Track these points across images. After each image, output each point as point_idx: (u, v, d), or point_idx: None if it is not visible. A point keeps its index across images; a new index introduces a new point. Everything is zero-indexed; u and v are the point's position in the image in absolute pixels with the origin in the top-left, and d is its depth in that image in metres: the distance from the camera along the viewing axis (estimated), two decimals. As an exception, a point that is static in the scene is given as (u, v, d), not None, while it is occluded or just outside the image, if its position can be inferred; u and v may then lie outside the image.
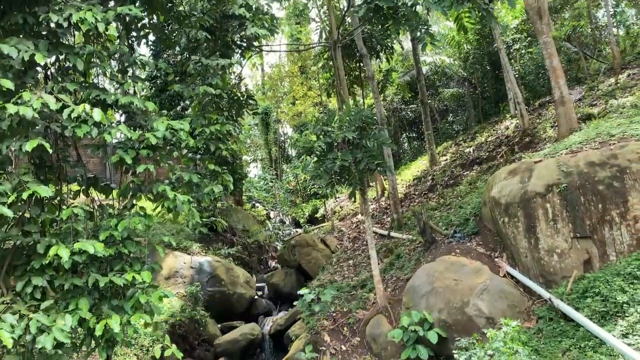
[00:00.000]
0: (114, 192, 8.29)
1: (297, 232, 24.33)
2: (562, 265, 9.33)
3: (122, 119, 8.32)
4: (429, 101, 26.45)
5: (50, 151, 6.42)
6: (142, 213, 7.53)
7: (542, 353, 8.05)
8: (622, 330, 7.22)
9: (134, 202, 7.72)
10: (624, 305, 7.55)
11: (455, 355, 6.14)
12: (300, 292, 12.93)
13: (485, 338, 6.18)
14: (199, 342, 13.95)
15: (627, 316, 7.35)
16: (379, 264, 13.43)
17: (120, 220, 7.05)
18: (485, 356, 5.81)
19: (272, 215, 28.58)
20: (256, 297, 17.99)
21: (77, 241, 6.27)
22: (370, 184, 24.59)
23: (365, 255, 16.55)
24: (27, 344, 5.79)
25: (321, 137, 11.76)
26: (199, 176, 8.20)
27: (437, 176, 20.89)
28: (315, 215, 30.73)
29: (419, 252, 13.53)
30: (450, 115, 30.84)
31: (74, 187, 8.23)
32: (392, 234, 17.12)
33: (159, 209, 7.85)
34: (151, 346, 11.45)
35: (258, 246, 23.13)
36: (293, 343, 13.06)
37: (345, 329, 12.42)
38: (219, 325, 15.38)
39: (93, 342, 6.77)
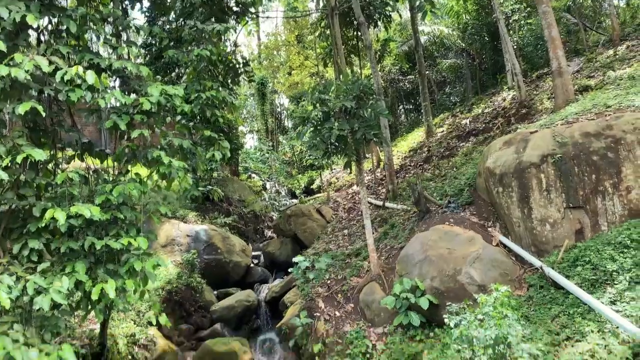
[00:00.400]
0: (109, 160, 8.28)
1: (293, 202, 24.43)
2: (554, 235, 9.44)
3: (117, 84, 8.24)
4: (427, 72, 26.24)
5: (44, 115, 6.38)
6: (137, 179, 7.54)
7: (532, 319, 8.21)
8: (611, 298, 7.35)
9: (129, 167, 7.71)
10: (614, 273, 7.67)
11: (445, 320, 6.25)
12: (295, 259, 13.08)
13: (476, 304, 6.29)
14: (195, 308, 14.14)
15: (616, 284, 7.48)
16: (373, 233, 13.56)
17: (116, 185, 7.06)
18: (475, 320, 5.92)
19: (268, 186, 28.63)
20: (252, 265, 18.18)
21: (73, 205, 6.29)
22: (367, 155, 24.61)
23: (360, 225, 16.68)
24: (25, 305, 5.86)
25: (318, 106, 11.71)
26: (192, 143, 8.17)
27: (433, 147, 20.90)
28: (311, 187, 30.82)
29: (413, 222, 13.64)
30: (448, 86, 30.67)
31: (69, 153, 8.21)
32: (387, 204, 17.23)
33: (155, 177, 7.86)
34: (147, 311, 11.61)
35: (254, 216, 23.26)
36: (288, 309, 13.27)
37: (339, 295, 12.61)
38: (215, 292, 15.56)
39: (89, 305, 6.86)
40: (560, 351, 7.22)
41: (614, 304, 7.19)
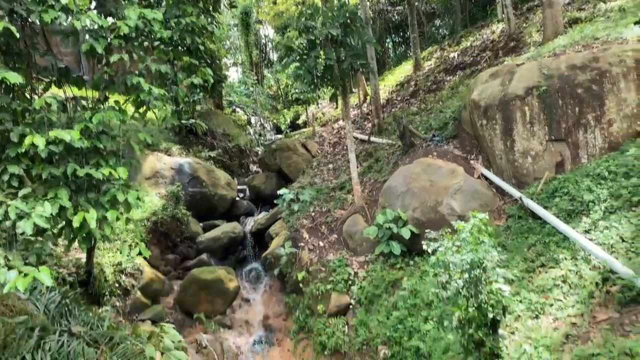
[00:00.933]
0: (88, 91, 8.03)
1: (278, 137, 24.25)
2: (535, 167, 9.58)
3: (93, 5, 7.88)
4: (416, 3, 25.47)
5: (18, 36, 6.12)
6: (116, 107, 7.38)
7: (509, 248, 8.50)
8: (586, 227, 7.58)
9: (107, 94, 7.52)
10: (590, 203, 7.87)
11: (424, 247, 6.42)
12: (280, 192, 13.18)
13: (455, 232, 6.44)
14: (181, 239, 14.34)
15: (592, 214, 7.69)
16: (358, 167, 13.64)
17: (95, 113, 6.91)
18: (452, 247, 6.08)
19: (253, 120, 28.27)
20: (237, 198, 18.28)
21: (52, 130, 6.17)
22: (353, 89, 24.29)
23: (345, 159, 16.73)
24: (8, 229, 5.87)
25: (303, 34, 11.38)
26: (171, 69, 7.93)
27: (420, 81, 20.67)
28: (297, 121, 30.54)
29: (397, 156, 13.71)
30: (437, 19, 29.92)
31: (45, 82, 7.96)
32: (373, 138, 17.23)
33: (131, 106, 7.67)
34: (133, 242, 11.75)
35: (239, 150, 23.12)
36: (273, 240, 13.54)
37: (323, 227, 12.85)
38: (201, 224, 15.72)
39: (72, 233, 6.89)
40: (535, 277, 7.53)
41: (588, 233, 7.43)
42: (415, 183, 10.76)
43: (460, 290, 5.85)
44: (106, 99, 7.63)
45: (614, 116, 8.87)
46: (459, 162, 11.17)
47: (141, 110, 7.78)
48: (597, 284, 6.53)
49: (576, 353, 5.60)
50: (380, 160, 14.83)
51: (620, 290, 6.14)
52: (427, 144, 12.67)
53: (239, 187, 19.51)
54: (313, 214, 13.55)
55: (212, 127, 21.89)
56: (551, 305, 6.77)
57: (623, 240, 6.79)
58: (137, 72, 7.55)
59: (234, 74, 39.58)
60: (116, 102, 7.52)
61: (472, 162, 11.13)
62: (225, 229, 15.06)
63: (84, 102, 7.82)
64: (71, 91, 8.00)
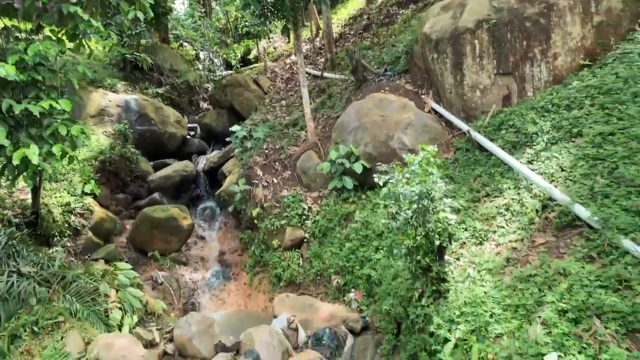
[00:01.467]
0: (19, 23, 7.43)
1: (229, 73, 23.51)
2: (484, 101, 9.79)
3: None
4: None
5: None
6: (53, 37, 6.91)
7: (456, 179, 8.81)
8: (529, 158, 7.90)
9: (40, 23, 7.01)
10: (534, 135, 8.16)
11: (375, 180, 6.55)
12: (233, 128, 12.98)
13: (406, 165, 6.58)
14: (131, 178, 14.02)
15: (535, 145, 7.99)
16: (311, 103, 13.53)
17: (30, 44, 6.46)
18: (402, 179, 6.23)
19: (201, 55, 27.20)
20: (188, 137, 17.90)
21: (-19, 63, 5.75)
22: (305, 23, 23.63)
23: (298, 95, 16.54)
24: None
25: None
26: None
27: (373, 15, 20.31)
28: (248, 57, 29.61)
29: (350, 91, 13.67)
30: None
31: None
32: (325, 74, 17.03)
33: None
34: (81, 182, 11.40)
35: (188, 87, 22.37)
36: (227, 178, 13.46)
37: (277, 164, 12.85)
38: (152, 163, 15.37)
39: (15, 171, 6.62)
40: (480, 206, 7.88)
41: (531, 164, 7.76)
42: (367, 118, 10.81)
43: (410, 220, 6.07)
44: (40, 28, 7.11)
45: (559, 50, 9.07)
46: (411, 97, 11.27)
47: (77, 42, 7.31)
48: (537, 211, 6.90)
49: (515, 275, 5.99)
50: (333, 95, 14.75)
51: (557, 216, 6.53)
52: (380, 78, 12.66)
53: (189, 125, 19.06)
54: (266, 151, 13.49)
55: (159, 62, 20.96)
56: (494, 232, 7.14)
57: (562, 170, 7.14)
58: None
59: (180, 6, 37.63)
60: (52, 31, 7.04)
61: (423, 96, 11.25)
62: (176, 167, 14.82)
63: (17, 34, 7.27)
64: (2, 22, 7.41)
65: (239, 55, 28.93)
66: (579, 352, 4.61)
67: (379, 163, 9.49)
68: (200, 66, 24.30)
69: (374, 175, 6.62)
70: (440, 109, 10.61)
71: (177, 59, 22.88)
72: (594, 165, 6.72)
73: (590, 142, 7.05)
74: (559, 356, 4.66)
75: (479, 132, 9.19)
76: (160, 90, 18.77)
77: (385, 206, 6.50)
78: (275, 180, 12.22)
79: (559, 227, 6.45)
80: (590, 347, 4.62)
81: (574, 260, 5.71)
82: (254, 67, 24.28)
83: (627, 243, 5.33)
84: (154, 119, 15.89)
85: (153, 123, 15.78)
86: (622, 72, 7.83)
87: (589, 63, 8.83)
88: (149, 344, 7.70)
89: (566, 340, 4.76)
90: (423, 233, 6.03)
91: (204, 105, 22.63)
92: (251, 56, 29.27)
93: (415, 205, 5.99)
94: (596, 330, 4.71)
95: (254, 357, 6.81)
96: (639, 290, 4.81)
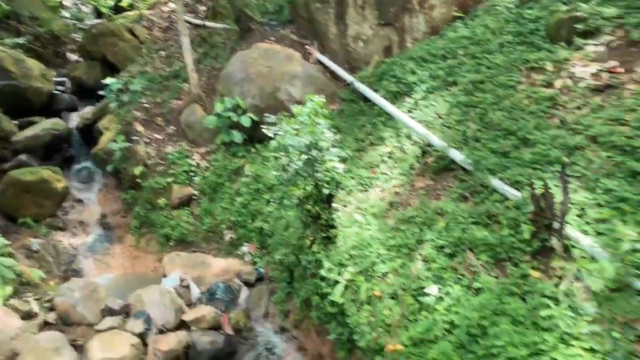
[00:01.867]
0: None
1: (100, 22, 21.52)
2: (366, 52, 9.99)
3: None
4: None
5: None
6: None
7: (343, 130, 8.99)
8: (409, 107, 8.27)
9: None
10: (413, 85, 8.53)
11: (264, 131, 6.48)
12: (106, 81, 12.00)
13: (294, 117, 6.56)
14: (-9, 139, 12.54)
15: (414, 94, 8.37)
16: (193, 54, 12.87)
17: None
18: (291, 130, 6.23)
19: (66, 2, 24.60)
20: (56, 92, 16.26)
21: None
22: (182, -33, 22.17)
23: (178, 46, 15.59)
24: None
25: None
26: None
27: (255, -38, 19.56)
28: (120, 4, 27.32)
29: (234, 41, 13.21)
30: None
31: None
32: (207, 23, 16.22)
33: None
34: None
35: (53, 37, 20.20)
36: (103, 135, 12.50)
37: (159, 119, 12.19)
38: (16, 122, 13.82)
39: None
40: (364, 154, 8.18)
41: (411, 112, 8.14)
42: (253, 69, 10.56)
43: (299, 170, 6.13)
44: None
45: (435, 2, 9.44)
46: (296, 48, 11.17)
47: None
48: (417, 157, 7.31)
49: (398, 217, 6.37)
50: (216, 46, 14.15)
51: (435, 160, 6.97)
52: (264, 28, 12.37)
53: (57, 79, 17.27)
54: (147, 105, 12.70)
55: (16, 9, 18.65)
56: (378, 178, 7.48)
57: (439, 117, 7.58)
58: None
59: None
60: None
61: (307, 47, 11.20)
62: (45, 125, 13.45)
63: None
64: None
65: (112, 2, 26.61)
66: (455, 283, 5.09)
67: (267, 115, 9.44)
68: (66, 14, 22.05)
69: (263, 128, 6.54)
70: (325, 60, 10.66)
71: (38, 5, 20.42)
72: (467, 111, 7.22)
73: (463, 90, 7.54)
74: (439, 288, 5.10)
75: (363, 83, 9.41)
76: (20, 41, 16.78)
77: (276, 158, 6.50)
78: (159, 137, 11.63)
79: (436, 171, 6.91)
80: (465, 277, 5.11)
81: (450, 200, 6.18)
82: (128, 14, 22.46)
83: (495, 182, 5.86)
84: (15, 71, 14.18)
85: (13, 77, 14.08)
86: (490, 23, 8.38)
87: (462, 15, 9.32)
88: (27, 315, 7.14)
89: (444, 273, 5.22)
90: (312, 183, 6.14)
91: (73, 57, 20.70)
92: (124, 3, 27.02)
93: (304, 156, 6.05)
94: (470, 262, 5.19)
95: (144, 317, 6.63)
96: (504, 224, 5.34)
